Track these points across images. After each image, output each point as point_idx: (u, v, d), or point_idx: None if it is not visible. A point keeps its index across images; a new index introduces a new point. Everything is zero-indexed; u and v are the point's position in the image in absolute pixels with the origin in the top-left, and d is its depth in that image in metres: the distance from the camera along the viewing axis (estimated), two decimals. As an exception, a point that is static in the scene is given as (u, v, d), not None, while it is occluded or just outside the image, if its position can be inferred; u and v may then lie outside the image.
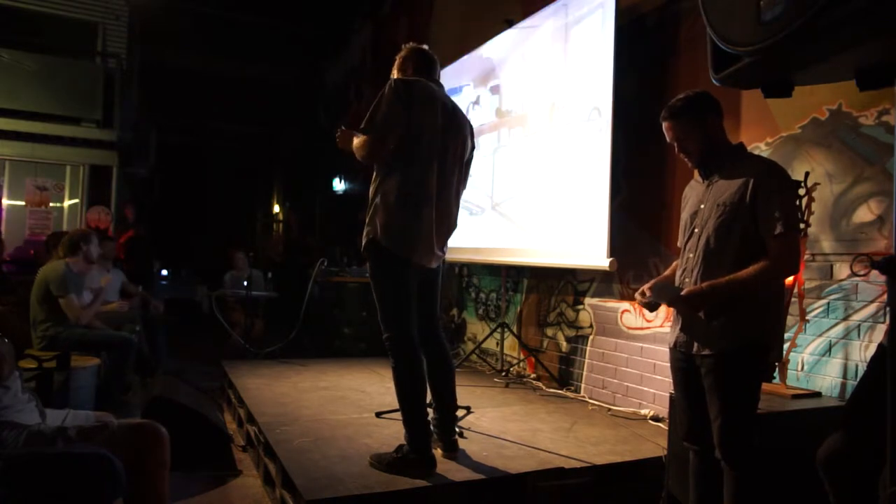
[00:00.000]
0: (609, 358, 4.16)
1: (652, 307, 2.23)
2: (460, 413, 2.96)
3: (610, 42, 3.84)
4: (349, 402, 3.77)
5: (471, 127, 2.92)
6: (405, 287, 2.65)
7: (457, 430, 2.90)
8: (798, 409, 2.51)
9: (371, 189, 2.70)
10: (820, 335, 2.89)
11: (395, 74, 2.82)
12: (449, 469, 2.60)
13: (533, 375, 4.87)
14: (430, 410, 2.74)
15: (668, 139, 2.15)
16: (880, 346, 2.07)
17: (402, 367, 2.63)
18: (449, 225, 2.80)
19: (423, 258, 2.68)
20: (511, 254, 4.80)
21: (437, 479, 2.49)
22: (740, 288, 1.96)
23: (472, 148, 2.94)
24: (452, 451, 2.76)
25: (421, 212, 2.62)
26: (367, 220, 2.66)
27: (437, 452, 2.70)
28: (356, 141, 2.68)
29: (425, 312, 2.80)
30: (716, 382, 2.01)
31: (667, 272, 2.35)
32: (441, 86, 2.86)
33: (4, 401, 2.15)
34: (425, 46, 2.90)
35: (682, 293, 2.04)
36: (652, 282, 2.23)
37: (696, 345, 2.07)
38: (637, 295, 2.20)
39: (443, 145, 2.70)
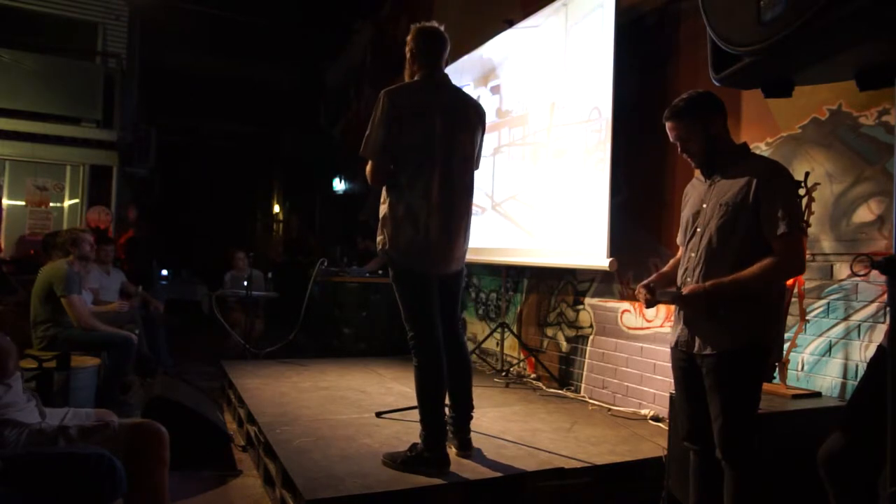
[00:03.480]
0: (609, 358, 4.16)
1: (650, 304, 2.23)
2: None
3: (610, 42, 3.84)
4: (349, 402, 3.77)
5: (479, 112, 2.86)
6: (424, 291, 2.68)
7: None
8: (798, 409, 2.51)
9: (381, 198, 2.73)
10: (820, 335, 2.89)
11: (407, 57, 2.79)
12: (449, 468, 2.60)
13: (533, 375, 4.87)
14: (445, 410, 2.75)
15: (670, 139, 2.14)
16: (880, 347, 2.07)
17: (423, 366, 2.63)
18: (461, 228, 2.78)
19: (435, 268, 2.70)
20: (511, 254, 4.80)
21: (438, 480, 2.49)
22: (742, 287, 1.96)
23: (483, 133, 2.89)
24: (467, 450, 2.78)
25: (428, 224, 2.63)
26: (378, 230, 2.70)
27: (451, 451, 2.72)
28: (367, 166, 2.70)
29: (445, 314, 2.82)
30: (717, 382, 2.01)
31: (666, 268, 2.35)
32: (444, 75, 2.79)
33: (6, 398, 2.15)
34: (433, 24, 2.80)
35: (684, 292, 2.04)
36: (651, 277, 2.23)
37: (697, 344, 2.07)
38: (640, 288, 2.20)
39: (447, 149, 2.68)
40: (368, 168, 2.68)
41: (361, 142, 2.64)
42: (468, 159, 2.79)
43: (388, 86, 2.67)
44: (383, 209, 2.69)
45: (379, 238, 2.70)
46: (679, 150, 2.14)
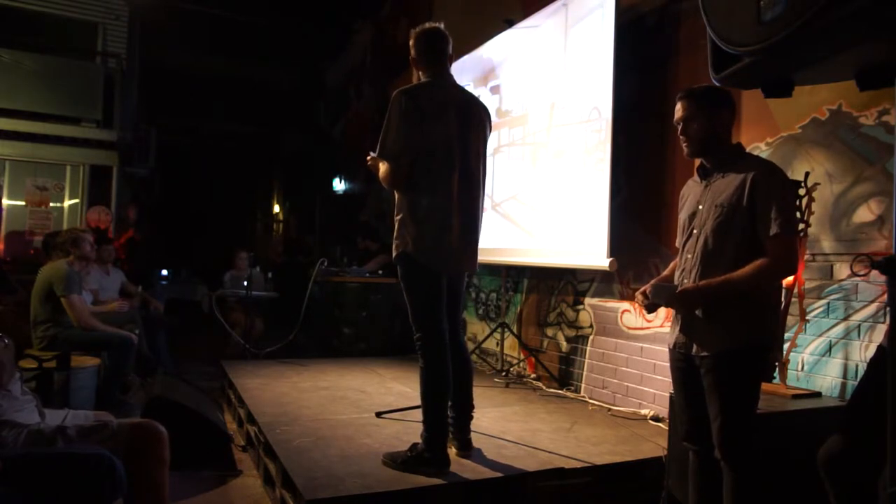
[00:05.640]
0: (609, 358, 4.16)
1: (651, 308, 2.22)
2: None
3: (610, 42, 3.83)
4: (349, 402, 3.77)
5: (486, 110, 2.87)
6: (437, 292, 2.67)
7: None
8: (798, 409, 2.51)
9: (396, 200, 2.69)
10: (820, 335, 2.89)
11: (411, 58, 2.77)
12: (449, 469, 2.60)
13: (533, 375, 4.87)
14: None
15: (674, 118, 2.14)
16: (880, 347, 2.07)
17: (430, 367, 2.62)
18: (479, 226, 2.79)
19: (457, 267, 2.71)
20: (511, 254, 4.80)
21: (438, 480, 2.49)
22: (735, 288, 1.96)
23: (490, 131, 2.89)
24: (467, 450, 2.78)
25: (450, 223, 2.62)
26: (395, 233, 2.66)
27: (452, 451, 2.71)
28: (381, 168, 2.64)
29: (448, 314, 2.80)
30: (715, 383, 2.01)
31: (665, 272, 2.35)
32: (451, 74, 2.80)
33: (3, 405, 2.15)
34: (437, 25, 2.79)
35: (678, 292, 2.05)
36: (651, 282, 2.23)
37: (695, 345, 2.07)
38: (638, 294, 2.20)
39: (463, 148, 2.67)
40: (384, 170, 2.61)
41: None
42: (480, 157, 2.79)
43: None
44: (401, 211, 2.64)
45: (397, 241, 2.65)
46: (679, 131, 2.13)
